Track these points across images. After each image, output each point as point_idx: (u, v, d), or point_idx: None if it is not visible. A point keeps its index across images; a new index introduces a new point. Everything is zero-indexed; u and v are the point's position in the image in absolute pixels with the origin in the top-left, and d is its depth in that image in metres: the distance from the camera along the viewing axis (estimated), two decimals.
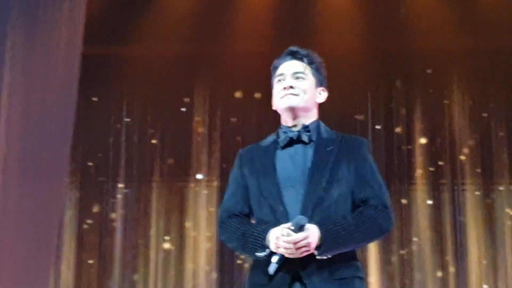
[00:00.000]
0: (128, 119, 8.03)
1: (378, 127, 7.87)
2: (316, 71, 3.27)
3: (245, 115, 7.90)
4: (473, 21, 7.54)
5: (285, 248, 2.92)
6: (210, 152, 7.91)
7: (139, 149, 7.98)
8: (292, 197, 3.05)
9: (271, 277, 2.98)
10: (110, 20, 7.64)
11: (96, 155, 7.94)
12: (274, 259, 2.96)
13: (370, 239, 3.14)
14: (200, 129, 7.98)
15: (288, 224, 2.94)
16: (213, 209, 7.70)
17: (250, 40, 7.65)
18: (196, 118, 8.00)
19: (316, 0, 7.64)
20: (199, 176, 7.86)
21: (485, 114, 7.83)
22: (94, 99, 8.01)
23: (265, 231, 3.00)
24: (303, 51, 3.28)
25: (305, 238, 2.91)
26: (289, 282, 2.98)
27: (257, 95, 7.77)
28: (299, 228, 2.91)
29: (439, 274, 7.57)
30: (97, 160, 7.93)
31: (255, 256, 3.04)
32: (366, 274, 7.11)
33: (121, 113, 8.04)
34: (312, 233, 2.93)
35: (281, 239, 2.93)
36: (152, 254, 7.74)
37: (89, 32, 6.38)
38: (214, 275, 7.68)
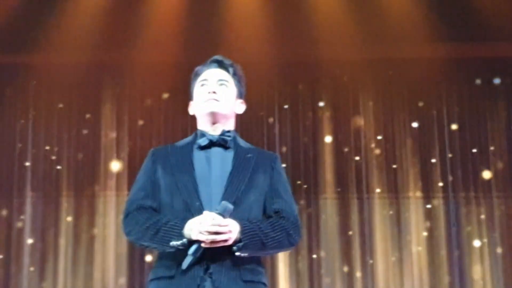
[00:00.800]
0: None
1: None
2: (238, 82, 3.34)
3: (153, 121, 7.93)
4: (377, 31, 7.71)
5: (209, 233, 2.92)
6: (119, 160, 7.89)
7: (44, 157, 7.89)
8: (207, 195, 3.08)
9: (178, 271, 3.00)
10: (15, 28, 7.52)
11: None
12: (190, 250, 2.95)
13: (280, 248, 3.20)
14: (109, 137, 7.95)
15: (213, 212, 2.96)
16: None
17: (158, 49, 7.64)
18: (104, 127, 7.95)
19: (224, 9, 7.67)
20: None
21: (391, 120, 8.06)
22: None
23: (183, 222, 3.00)
24: (228, 61, 3.34)
25: (228, 225, 2.95)
26: (199, 278, 2.99)
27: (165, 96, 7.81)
28: (226, 212, 2.95)
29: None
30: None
31: (167, 246, 3.00)
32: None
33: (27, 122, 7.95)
34: (234, 223, 2.98)
35: (206, 223, 2.92)
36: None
37: None
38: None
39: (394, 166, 7.96)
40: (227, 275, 3.01)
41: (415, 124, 8.04)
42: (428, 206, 7.91)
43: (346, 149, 8.00)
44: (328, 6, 7.68)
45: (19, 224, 7.77)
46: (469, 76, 8.11)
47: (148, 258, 7.58)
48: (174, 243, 2.98)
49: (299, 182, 7.84)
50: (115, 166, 7.88)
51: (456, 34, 7.74)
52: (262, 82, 7.81)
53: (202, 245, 2.96)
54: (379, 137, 8.02)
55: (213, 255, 3.00)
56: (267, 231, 3.07)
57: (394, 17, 7.64)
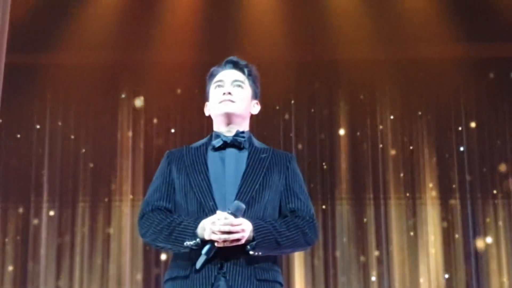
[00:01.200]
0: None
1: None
2: (253, 83, 3.35)
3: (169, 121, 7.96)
4: (394, 31, 7.70)
5: (221, 232, 2.94)
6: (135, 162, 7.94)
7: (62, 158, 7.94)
8: (221, 196, 3.10)
9: (193, 270, 3.02)
10: (33, 29, 7.56)
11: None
12: (204, 250, 2.97)
13: (296, 248, 3.21)
14: (129, 137, 7.98)
15: (225, 212, 2.99)
16: None
17: (175, 49, 7.66)
18: (124, 127, 8.00)
19: (241, 9, 7.68)
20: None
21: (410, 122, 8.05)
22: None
23: (196, 221, 3.03)
24: (243, 62, 3.35)
25: (241, 224, 2.97)
26: (213, 277, 3.01)
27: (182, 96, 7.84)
28: (238, 211, 2.97)
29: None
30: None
31: (182, 246, 3.03)
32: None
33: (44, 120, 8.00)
34: (247, 223, 2.99)
35: (218, 223, 2.95)
36: None
37: (11, 41, 6.30)
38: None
39: (411, 166, 7.93)
40: (241, 274, 3.02)
41: (432, 124, 8.01)
42: (445, 206, 7.88)
43: (362, 147, 7.98)
44: (345, 6, 7.67)
45: (35, 221, 7.81)
46: (487, 76, 8.07)
47: (163, 256, 7.65)
48: (188, 243, 3.01)
49: (313, 183, 7.83)
50: (131, 165, 7.91)
51: (474, 34, 7.72)
52: (278, 82, 7.81)
53: (216, 244, 2.98)
54: (396, 137, 7.99)
55: (227, 254, 3.01)
56: (282, 230, 3.07)
57: (411, 17, 7.63)
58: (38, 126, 8.00)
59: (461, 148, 7.96)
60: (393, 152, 7.99)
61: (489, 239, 7.79)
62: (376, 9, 7.63)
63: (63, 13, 7.61)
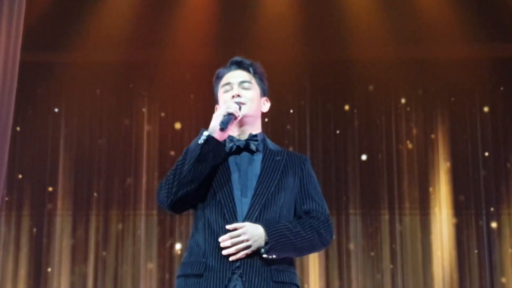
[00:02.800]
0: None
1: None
2: (260, 80, 3.33)
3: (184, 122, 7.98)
4: (409, 31, 7.67)
5: (232, 244, 2.99)
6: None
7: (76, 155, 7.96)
8: (238, 199, 3.10)
9: (207, 269, 3.02)
10: (49, 27, 7.58)
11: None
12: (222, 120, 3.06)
13: (312, 248, 3.19)
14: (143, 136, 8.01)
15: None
16: None
17: (189, 49, 7.67)
18: (140, 124, 8.02)
19: (254, 10, 7.68)
20: None
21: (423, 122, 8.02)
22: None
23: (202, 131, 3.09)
24: (247, 61, 3.33)
25: (239, 235, 2.99)
26: (227, 278, 3.01)
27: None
28: (227, 123, 3.06)
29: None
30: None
31: (198, 147, 3.04)
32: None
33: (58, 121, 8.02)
34: (251, 230, 3.01)
35: (231, 100, 3.12)
36: None
37: (26, 39, 6.33)
38: None
39: (425, 168, 7.89)
40: (258, 275, 3.01)
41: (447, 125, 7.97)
42: (456, 220, 7.82)
43: (376, 154, 7.95)
44: (360, 6, 7.65)
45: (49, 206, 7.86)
46: (504, 77, 8.01)
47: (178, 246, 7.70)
48: (201, 140, 3.04)
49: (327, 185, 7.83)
50: (145, 163, 7.94)
51: (490, 34, 7.68)
52: (292, 82, 7.81)
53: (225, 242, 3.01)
54: (409, 141, 7.95)
55: (244, 256, 3.01)
56: (296, 231, 3.07)
57: (427, 17, 7.60)
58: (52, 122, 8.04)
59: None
60: (408, 157, 7.94)
61: None
62: (391, 8, 7.60)
63: (78, 12, 7.63)
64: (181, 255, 7.60)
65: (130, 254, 7.76)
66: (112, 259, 7.75)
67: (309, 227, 3.11)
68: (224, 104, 3.20)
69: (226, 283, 3.00)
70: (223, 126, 3.04)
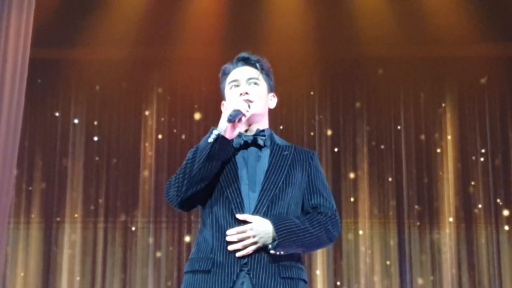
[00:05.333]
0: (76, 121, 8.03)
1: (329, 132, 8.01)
2: (267, 76, 3.31)
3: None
4: (421, 29, 7.67)
5: (239, 239, 2.99)
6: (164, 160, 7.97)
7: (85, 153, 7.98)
8: (246, 194, 3.09)
9: (215, 265, 3.01)
10: (58, 23, 7.59)
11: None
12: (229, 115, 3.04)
13: (319, 245, 3.18)
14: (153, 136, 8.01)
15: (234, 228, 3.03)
16: None
17: (201, 45, 7.68)
18: (149, 123, 8.02)
19: (264, 6, 7.67)
20: None
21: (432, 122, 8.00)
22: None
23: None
24: (254, 57, 3.30)
25: (245, 231, 2.99)
26: (235, 274, 3.00)
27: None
28: (236, 115, 3.04)
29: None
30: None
31: (209, 146, 3.01)
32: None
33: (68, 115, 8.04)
34: (258, 225, 3.01)
35: (238, 99, 3.09)
36: None
37: (37, 36, 6.34)
38: None
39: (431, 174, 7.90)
40: (265, 271, 3.01)
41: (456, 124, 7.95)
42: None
43: (383, 148, 7.95)
44: (369, 4, 7.64)
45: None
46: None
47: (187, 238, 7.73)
48: (210, 139, 3.02)
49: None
50: (154, 161, 7.95)
51: (498, 34, 7.66)
52: (302, 79, 7.81)
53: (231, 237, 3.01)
54: (419, 139, 7.95)
55: (252, 252, 3.01)
56: (305, 227, 3.06)
57: (436, 15, 7.58)
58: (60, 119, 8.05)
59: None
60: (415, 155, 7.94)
61: None
62: (400, 6, 7.59)
63: (89, 8, 7.64)
64: None
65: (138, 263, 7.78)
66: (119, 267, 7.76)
67: (317, 223, 3.10)
68: (232, 101, 3.18)
69: (235, 279, 2.99)
70: (231, 118, 3.02)
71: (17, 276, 7.69)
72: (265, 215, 3.04)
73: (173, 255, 7.75)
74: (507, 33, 7.72)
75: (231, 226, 3.03)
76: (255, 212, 3.05)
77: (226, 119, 3.03)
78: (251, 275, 2.99)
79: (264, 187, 3.09)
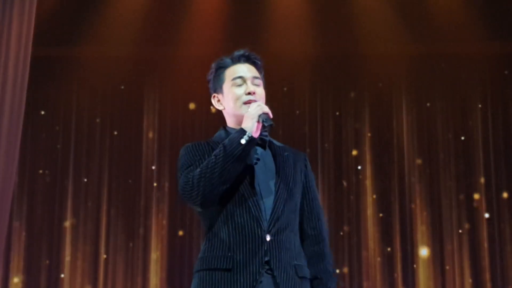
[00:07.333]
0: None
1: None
2: (262, 75, 3.29)
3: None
4: (421, 26, 7.67)
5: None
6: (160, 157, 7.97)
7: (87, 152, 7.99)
8: (259, 192, 3.07)
9: (236, 263, 2.98)
10: (60, 22, 7.60)
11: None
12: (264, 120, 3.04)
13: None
14: (150, 133, 8.01)
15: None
16: None
17: (200, 44, 7.68)
18: (146, 121, 8.03)
19: (265, 3, 7.68)
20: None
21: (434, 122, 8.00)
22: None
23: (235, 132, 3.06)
24: (254, 55, 3.28)
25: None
26: (258, 273, 2.97)
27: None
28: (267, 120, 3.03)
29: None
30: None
31: (241, 149, 2.98)
32: None
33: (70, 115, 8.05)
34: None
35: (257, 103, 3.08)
36: None
37: (38, 34, 6.35)
38: None
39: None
40: (286, 271, 3.01)
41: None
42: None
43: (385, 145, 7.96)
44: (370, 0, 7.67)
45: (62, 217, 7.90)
46: None
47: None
48: (243, 140, 2.99)
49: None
50: (156, 161, 7.97)
51: (500, 32, 7.67)
52: (302, 77, 7.81)
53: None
54: (421, 141, 7.95)
55: (272, 251, 3.00)
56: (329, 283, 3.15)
57: (438, 13, 7.59)
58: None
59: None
60: (419, 161, 7.92)
61: None
62: (401, 3, 7.61)
63: (89, 7, 7.66)
64: None
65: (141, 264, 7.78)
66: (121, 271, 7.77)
67: (329, 275, 3.17)
68: (238, 100, 3.17)
69: (257, 277, 2.96)
70: (267, 122, 3.01)
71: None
72: (282, 213, 3.04)
73: None
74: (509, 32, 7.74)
75: (249, 224, 3.01)
76: (274, 211, 3.04)
77: (254, 120, 3.00)
78: (274, 275, 2.98)
79: (280, 186, 3.09)
